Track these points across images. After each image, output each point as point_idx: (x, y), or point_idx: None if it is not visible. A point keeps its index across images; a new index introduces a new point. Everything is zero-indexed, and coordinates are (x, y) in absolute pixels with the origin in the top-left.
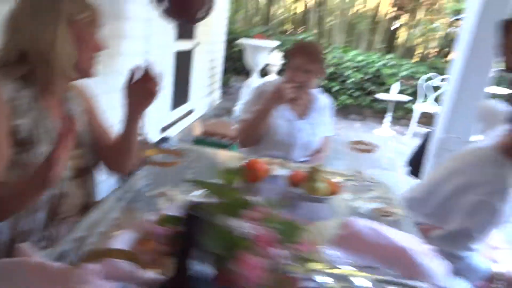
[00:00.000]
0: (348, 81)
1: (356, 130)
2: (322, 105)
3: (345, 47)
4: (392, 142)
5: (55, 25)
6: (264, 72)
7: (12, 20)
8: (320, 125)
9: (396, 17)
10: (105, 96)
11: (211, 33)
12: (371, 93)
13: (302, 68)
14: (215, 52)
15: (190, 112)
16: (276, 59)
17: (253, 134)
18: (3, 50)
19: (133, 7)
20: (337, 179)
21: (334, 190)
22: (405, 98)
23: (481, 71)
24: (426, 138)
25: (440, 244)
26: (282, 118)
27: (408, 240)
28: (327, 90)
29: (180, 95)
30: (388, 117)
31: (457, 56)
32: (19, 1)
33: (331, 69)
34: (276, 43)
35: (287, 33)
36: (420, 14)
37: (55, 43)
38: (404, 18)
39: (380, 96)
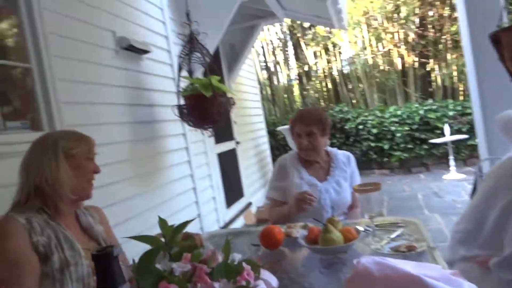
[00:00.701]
0: (397, 136)
1: (423, 182)
2: (342, 161)
3: (381, 106)
4: (462, 185)
5: (56, 161)
6: None
7: (24, 164)
8: (345, 181)
9: (422, 64)
10: (155, 209)
11: (250, 130)
12: (424, 141)
13: (303, 133)
14: (259, 145)
15: (249, 205)
16: None
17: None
18: (21, 191)
19: (170, 126)
20: (357, 226)
21: (350, 237)
22: (462, 136)
23: (497, 86)
24: (480, 169)
25: (502, 272)
26: (305, 185)
27: (423, 267)
28: (380, 150)
29: (234, 192)
30: (451, 160)
31: (470, 82)
32: (28, 148)
33: (375, 131)
34: None
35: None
36: (447, 55)
37: (58, 174)
38: (431, 63)
39: (435, 140)
